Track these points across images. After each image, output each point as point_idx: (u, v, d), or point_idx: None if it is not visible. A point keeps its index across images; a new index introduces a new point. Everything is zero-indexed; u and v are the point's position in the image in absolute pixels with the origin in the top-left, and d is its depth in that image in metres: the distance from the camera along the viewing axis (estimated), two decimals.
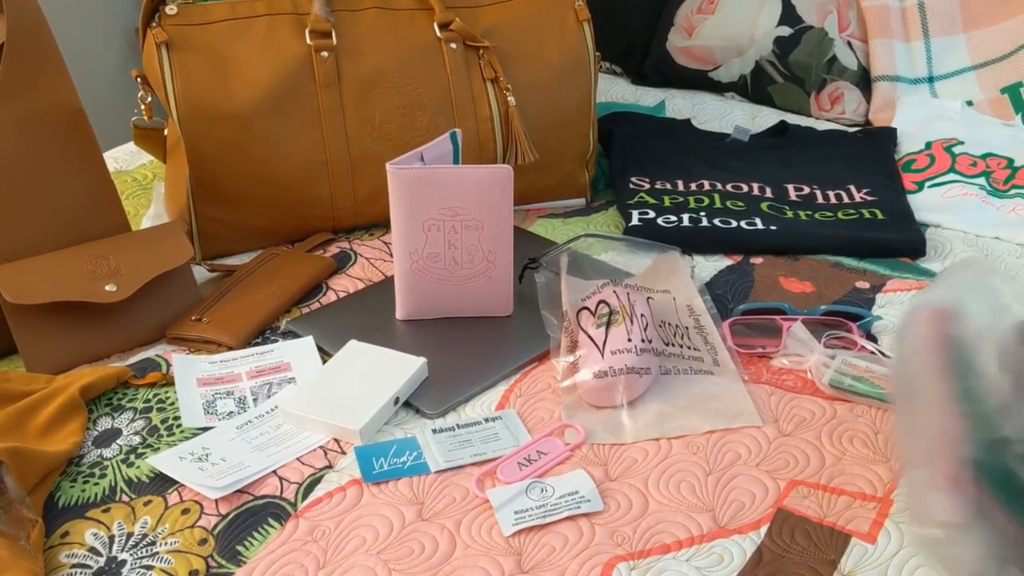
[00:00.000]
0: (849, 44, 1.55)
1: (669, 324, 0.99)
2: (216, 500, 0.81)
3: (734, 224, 1.19)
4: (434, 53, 1.18)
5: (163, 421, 0.91)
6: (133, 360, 0.99)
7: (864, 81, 1.54)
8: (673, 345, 0.96)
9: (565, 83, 1.23)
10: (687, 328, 0.99)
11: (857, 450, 0.85)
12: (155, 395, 0.95)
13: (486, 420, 0.90)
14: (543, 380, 0.95)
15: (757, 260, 1.16)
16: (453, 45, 1.18)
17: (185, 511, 0.80)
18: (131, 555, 0.76)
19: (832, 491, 0.81)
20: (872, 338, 1.00)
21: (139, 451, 0.87)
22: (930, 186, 1.31)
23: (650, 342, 0.93)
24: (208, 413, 0.92)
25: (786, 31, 1.57)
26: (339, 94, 1.14)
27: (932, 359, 0.72)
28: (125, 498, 0.82)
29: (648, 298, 0.99)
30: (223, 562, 0.75)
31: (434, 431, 0.88)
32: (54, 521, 0.80)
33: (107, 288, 0.98)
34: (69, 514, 0.80)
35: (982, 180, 1.30)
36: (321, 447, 0.87)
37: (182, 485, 0.83)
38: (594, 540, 0.77)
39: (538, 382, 0.95)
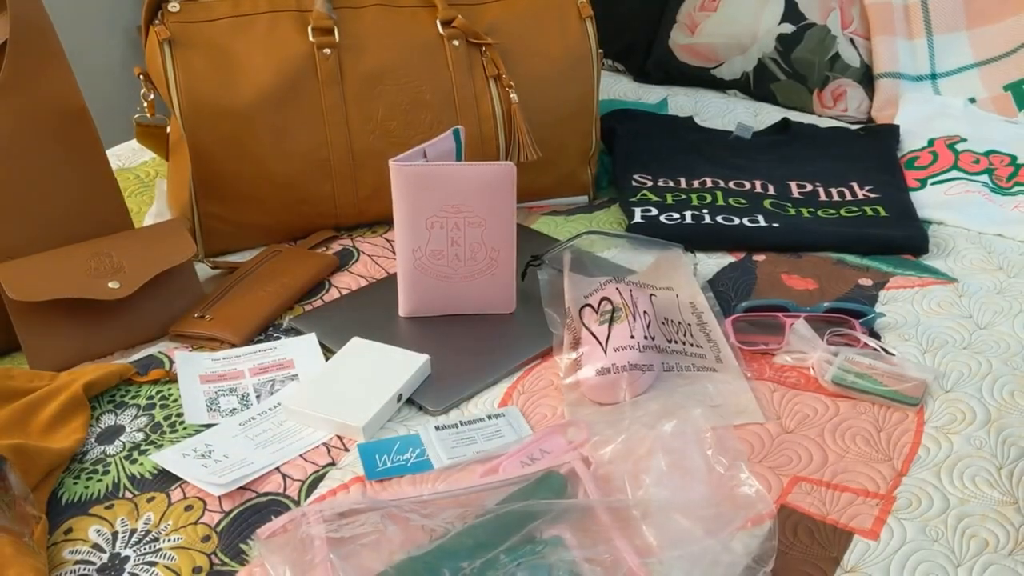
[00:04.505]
0: (852, 41, 1.55)
1: (672, 321, 0.99)
2: (219, 497, 0.81)
3: (737, 221, 1.19)
4: (436, 50, 1.18)
5: (166, 418, 0.91)
6: (136, 357, 0.99)
7: (867, 78, 1.54)
8: (676, 342, 0.96)
9: (567, 80, 1.23)
10: (690, 325, 0.99)
11: (860, 447, 0.85)
12: (158, 392, 0.95)
13: (489, 417, 0.90)
14: (546, 377, 0.95)
15: (760, 257, 1.16)
16: (455, 42, 1.18)
17: (188, 508, 0.80)
18: (134, 551, 0.76)
19: (835, 488, 0.81)
20: (875, 335, 1.00)
21: (142, 448, 0.87)
22: (933, 183, 1.30)
23: (653, 339, 0.93)
24: (211, 410, 0.92)
25: (789, 28, 1.57)
26: (341, 91, 1.14)
27: None
28: (128, 495, 0.82)
29: (651, 295, 1.00)
30: (226, 560, 0.75)
31: (437, 428, 0.88)
32: (57, 518, 0.80)
33: (110, 285, 0.98)
34: (72, 511, 0.81)
35: (985, 177, 1.30)
36: (324, 444, 0.87)
37: (185, 482, 0.83)
38: None
39: (541, 379, 0.95)
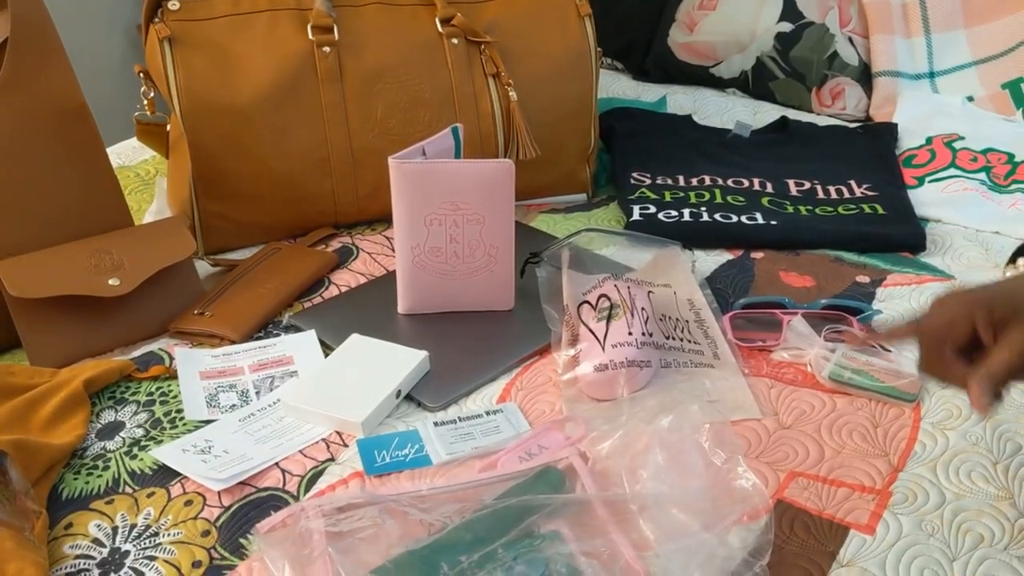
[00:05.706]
0: (850, 40, 1.55)
1: (669, 318, 0.99)
2: (219, 492, 0.81)
3: (735, 219, 1.19)
4: (436, 48, 1.18)
5: (166, 414, 0.92)
6: (136, 354, 1.00)
7: (865, 77, 1.54)
8: (673, 339, 0.97)
9: (566, 78, 1.24)
10: (687, 322, 1.00)
11: (856, 443, 0.85)
12: (158, 388, 0.95)
13: (487, 413, 0.90)
14: (544, 373, 0.95)
15: (758, 254, 1.16)
16: (455, 40, 1.18)
17: (188, 503, 0.81)
18: (134, 546, 0.77)
19: (831, 483, 0.81)
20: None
21: (142, 443, 0.88)
22: (931, 181, 1.31)
23: (650, 335, 0.93)
24: (211, 406, 0.92)
25: (787, 27, 1.57)
26: (341, 89, 1.14)
27: None
28: (128, 490, 0.82)
29: (649, 292, 1.00)
30: (226, 554, 0.76)
31: (436, 424, 0.88)
32: (58, 513, 0.80)
33: (110, 282, 0.98)
34: (73, 506, 0.81)
35: (983, 175, 1.30)
36: (323, 440, 0.87)
37: (185, 477, 0.83)
38: None
39: (539, 375, 0.95)
